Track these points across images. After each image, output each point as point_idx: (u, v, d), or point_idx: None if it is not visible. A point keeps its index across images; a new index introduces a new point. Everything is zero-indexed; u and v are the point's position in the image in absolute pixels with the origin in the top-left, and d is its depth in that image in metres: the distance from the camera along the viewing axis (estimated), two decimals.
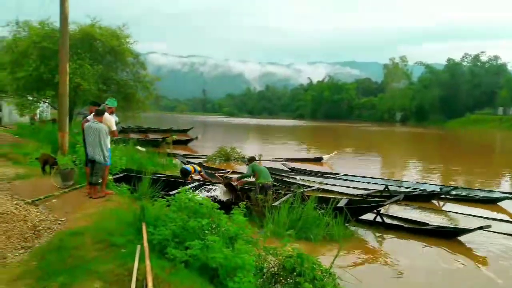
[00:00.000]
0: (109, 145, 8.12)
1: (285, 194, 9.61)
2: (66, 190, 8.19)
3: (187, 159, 18.06)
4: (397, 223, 9.48)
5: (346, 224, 8.69)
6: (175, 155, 19.39)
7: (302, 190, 9.84)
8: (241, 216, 6.09)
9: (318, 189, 12.15)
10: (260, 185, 9.68)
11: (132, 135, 30.59)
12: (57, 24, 14.97)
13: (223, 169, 16.54)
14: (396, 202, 10.09)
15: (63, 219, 6.18)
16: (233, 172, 16.15)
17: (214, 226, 5.51)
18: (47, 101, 23.13)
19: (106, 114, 8.07)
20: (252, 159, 11.52)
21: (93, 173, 7.56)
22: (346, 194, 11.77)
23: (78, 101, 19.82)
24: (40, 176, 9.55)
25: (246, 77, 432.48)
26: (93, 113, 7.90)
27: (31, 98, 21.28)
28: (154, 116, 56.33)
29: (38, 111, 28.01)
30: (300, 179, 14.97)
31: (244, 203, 7.02)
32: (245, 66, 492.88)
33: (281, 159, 20.67)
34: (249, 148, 27.09)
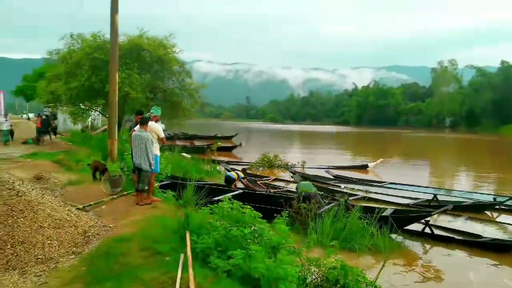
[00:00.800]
0: (157, 153, 8.33)
1: (329, 203, 9.44)
2: (115, 196, 8.48)
3: (230, 166, 18.22)
4: (448, 235, 9.05)
5: (392, 235, 8.41)
6: (219, 162, 19.61)
7: (346, 198, 9.64)
8: (284, 225, 6.05)
9: (363, 198, 11.85)
10: (303, 194, 9.57)
11: (178, 142, 31.28)
12: (108, 36, 15.65)
13: (266, 176, 16.53)
14: (445, 212, 9.65)
15: (111, 225, 6.39)
16: (276, 180, 16.12)
17: (256, 235, 5.49)
18: (98, 110, 24.17)
19: (153, 123, 8.31)
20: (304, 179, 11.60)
21: (139, 181, 7.76)
22: (392, 203, 11.41)
23: (127, 109, 20.56)
24: (90, 182, 9.96)
25: (290, 83, 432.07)
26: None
27: (83, 107, 22.32)
28: (199, 123, 57.45)
29: (89, 119, 29.28)
30: (345, 187, 14.68)
31: (287, 211, 6.98)
32: (289, 72, 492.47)
33: (325, 167, 20.39)
34: (293, 154, 26.93)
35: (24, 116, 57.58)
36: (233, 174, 13.02)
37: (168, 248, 5.19)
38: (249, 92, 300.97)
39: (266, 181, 15.01)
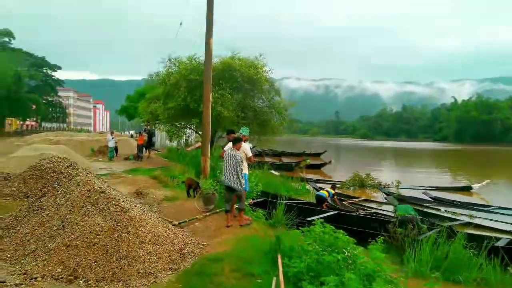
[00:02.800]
0: (246, 171, 8.44)
1: (429, 228, 8.74)
2: (207, 214, 8.73)
3: (319, 185, 17.90)
4: None
5: (508, 268, 7.46)
6: (308, 180, 19.37)
7: (449, 224, 8.86)
8: (379, 252, 5.73)
9: (468, 224, 10.82)
10: (399, 217, 8.99)
11: (267, 159, 31.61)
12: (202, 58, 16.46)
13: (355, 197, 15.93)
14: None
15: (204, 243, 6.56)
16: (366, 200, 15.49)
17: (350, 261, 5.25)
18: (192, 128, 25.44)
19: (242, 142, 8.50)
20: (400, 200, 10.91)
21: (230, 200, 7.89)
22: (502, 231, 10.24)
23: (219, 127, 21.29)
24: (184, 199, 10.41)
25: (382, 97, 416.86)
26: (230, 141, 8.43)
27: (178, 125, 23.65)
28: (287, 140, 57.73)
29: (184, 137, 30.95)
30: (445, 210, 13.58)
31: (382, 237, 6.62)
32: (381, 86, 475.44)
33: (422, 187, 19.13)
34: (386, 174, 25.74)
35: (126, 133, 62.64)
36: (324, 193, 12.76)
37: (260, 270, 5.17)
38: (338, 107, 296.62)
39: (354, 201, 14.48)
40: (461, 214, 13.07)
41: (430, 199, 15.88)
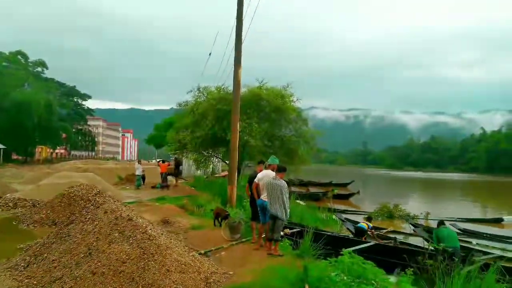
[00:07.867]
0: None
1: (463, 261, 8.41)
2: (234, 243, 8.69)
3: (345, 216, 17.62)
4: None
5: None
6: (335, 210, 19.08)
7: (482, 258, 8.53)
8: (408, 284, 5.61)
9: (500, 257, 10.36)
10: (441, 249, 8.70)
11: (293, 189, 31.37)
12: (230, 88, 16.75)
13: (383, 228, 15.59)
14: None
15: (231, 272, 6.50)
16: (393, 232, 15.15)
17: None
18: (219, 156, 25.63)
19: (270, 171, 8.46)
20: (440, 223, 10.59)
21: (274, 229, 7.75)
22: None
23: (246, 156, 21.37)
24: (211, 228, 10.40)
25: (410, 128, 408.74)
26: (262, 170, 8.58)
27: (206, 154, 23.85)
28: (314, 169, 57.22)
29: (211, 166, 31.09)
30: (477, 243, 13.09)
31: (411, 269, 6.47)
32: (409, 117, 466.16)
33: (451, 219, 18.55)
34: (413, 204, 25.13)
35: (154, 161, 63.41)
36: (363, 225, 12.60)
37: None
38: (366, 137, 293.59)
39: (381, 233, 14.17)
40: (493, 247, 12.58)
41: (458, 231, 15.38)
